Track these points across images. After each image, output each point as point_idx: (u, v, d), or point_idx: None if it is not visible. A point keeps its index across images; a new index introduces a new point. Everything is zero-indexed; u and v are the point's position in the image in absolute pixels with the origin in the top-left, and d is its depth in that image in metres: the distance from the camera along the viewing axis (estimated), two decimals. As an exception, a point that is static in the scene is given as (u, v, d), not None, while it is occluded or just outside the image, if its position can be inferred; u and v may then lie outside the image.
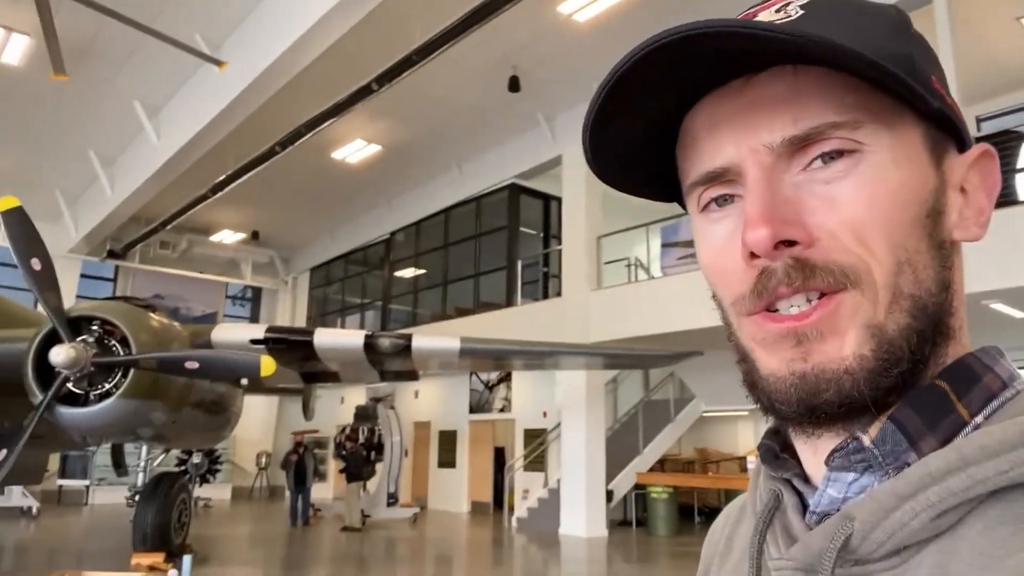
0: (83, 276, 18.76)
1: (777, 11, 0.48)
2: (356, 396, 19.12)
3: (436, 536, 13.82)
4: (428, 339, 9.05)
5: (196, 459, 16.32)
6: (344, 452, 14.47)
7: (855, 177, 0.45)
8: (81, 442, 8.94)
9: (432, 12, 8.78)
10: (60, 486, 17.29)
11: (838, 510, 0.46)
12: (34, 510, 14.59)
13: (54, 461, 16.01)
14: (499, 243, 15.59)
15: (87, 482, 17.56)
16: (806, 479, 0.51)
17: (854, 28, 0.46)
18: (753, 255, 0.45)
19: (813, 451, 0.49)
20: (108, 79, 11.86)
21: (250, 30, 10.02)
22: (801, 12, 0.47)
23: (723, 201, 0.50)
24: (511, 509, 15.20)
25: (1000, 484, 0.40)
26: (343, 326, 20.28)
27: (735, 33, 0.42)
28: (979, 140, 0.52)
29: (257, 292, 23.26)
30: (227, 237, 20.30)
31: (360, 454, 14.40)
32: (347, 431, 15.18)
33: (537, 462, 14.98)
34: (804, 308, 0.45)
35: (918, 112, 0.47)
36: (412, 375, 10.51)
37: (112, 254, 18.58)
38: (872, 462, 0.45)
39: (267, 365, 6.60)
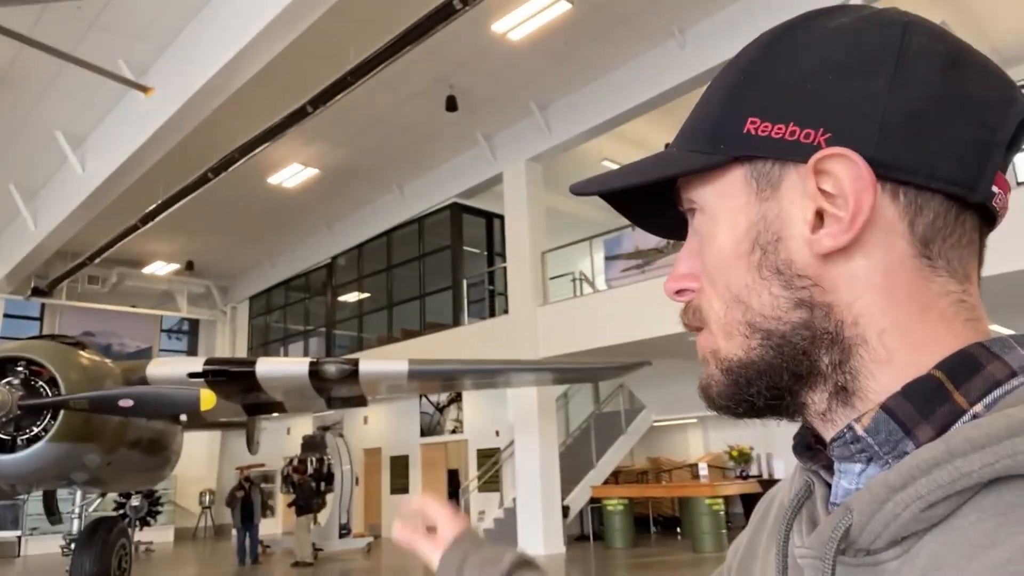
0: (6, 316, 17.81)
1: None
2: (303, 426, 18.65)
3: (392, 564, 13.51)
4: (375, 363, 8.88)
5: (135, 501, 15.58)
6: (292, 484, 14.05)
7: (696, 234, 0.55)
8: (10, 491, 8.43)
9: (366, 32, 8.72)
10: (-12, 539, 16.32)
11: None
12: (-41, 567, 13.73)
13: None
14: (443, 263, 15.51)
15: (19, 532, 16.65)
16: (832, 470, 0.53)
17: (701, 102, 0.56)
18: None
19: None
20: (27, 108, 11.36)
21: (177, 54, 9.75)
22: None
23: None
24: (467, 531, 14.98)
25: (987, 476, 0.40)
26: (286, 354, 19.81)
27: (599, 192, 0.56)
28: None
29: (194, 324, 22.57)
30: (160, 269, 19.64)
31: (309, 485, 14.01)
32: (295, 462, 14.77)
33: (492, 482, 14.86)
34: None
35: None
36: (361, 401, 10.28)
37: (37, 291, 17.72)
38: (871, 452, 0.47)
39: (207, 399, 6.37)
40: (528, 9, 9.49)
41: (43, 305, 18.91)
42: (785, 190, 0.50)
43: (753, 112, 0.50)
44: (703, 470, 13.22)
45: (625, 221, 0.66)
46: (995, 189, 0.49)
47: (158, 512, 16.70)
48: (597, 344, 11.17)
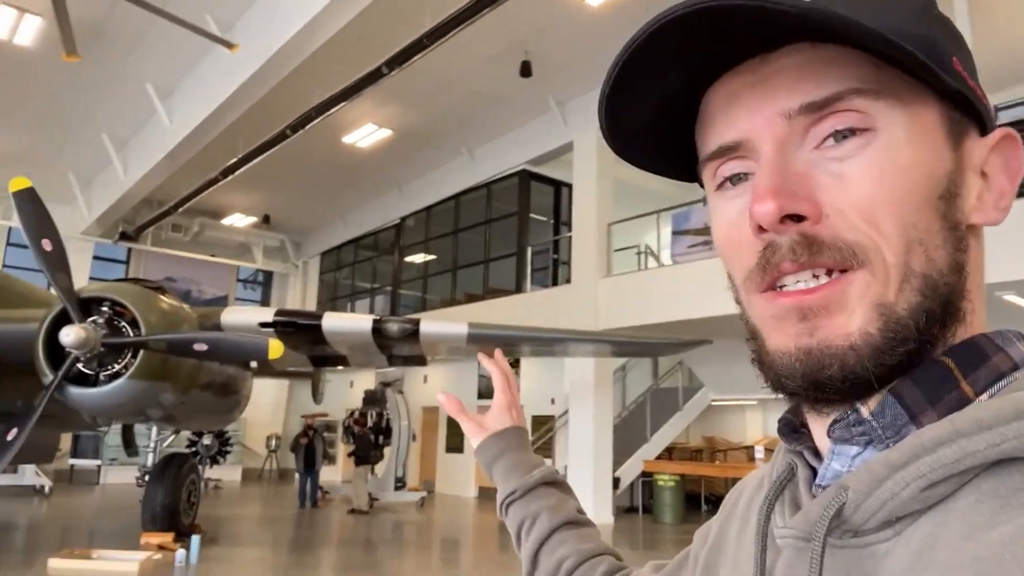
0: (96, 258, 18.88)
1: None
2: (365, 380, 19.20)
3: (443, 520, 13.90)
4: (436, 324, 9.05)
5: (206, 440, 16.46)
6: (353, 435, 14.54)
7: (867, 155, 0.45)
8: (91, 422, 9.02)
9: (443, -5, 8.72)
10: (72, 465, 17.50)
11: None
12: (46, 489, 14.79)
13: (66, 441, 16.21)
14: (509, 229, 15.56)
15: (99, 462, 17.76)
16: (818, 453, 0.52)
17: (873, 7, 0.46)
18: (761, 228, 0.46)
19: (821, 425, 0.50)
20: (120, 61, 11.87)
21: (261, 12, 9.99)
22: None
23: (737, 180, 0.50)
24: (518, 495, 15.23)
25: (991, 457, 0.40)
26: (353, 311, 20.35)
27: (745, 6, 0.42)
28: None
29: (268, 276, 23.36)
30: (238, 221, 20.37)
31: (368, 438, 14.47)
32: (356, 415, 15.25)
33: (544, 448, 15.01)
34: (811, 284, 0.46)
35: (937, 93, 0.47)
36: (420, 360, 10.52)
37: (124, 236, 18.68)
38: (872, 435, 0.46)
39: (275, 348, 6.63)
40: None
41: (129, 250, 19.91)
42: (967, 148, 0.48)
43: (955, 52, 0.48)
44: (759, 453, 13.04)
45: (695, 195, 0.59)
46: None
47: (227, 452, 17.55)
48: (658, 319, 11.07)
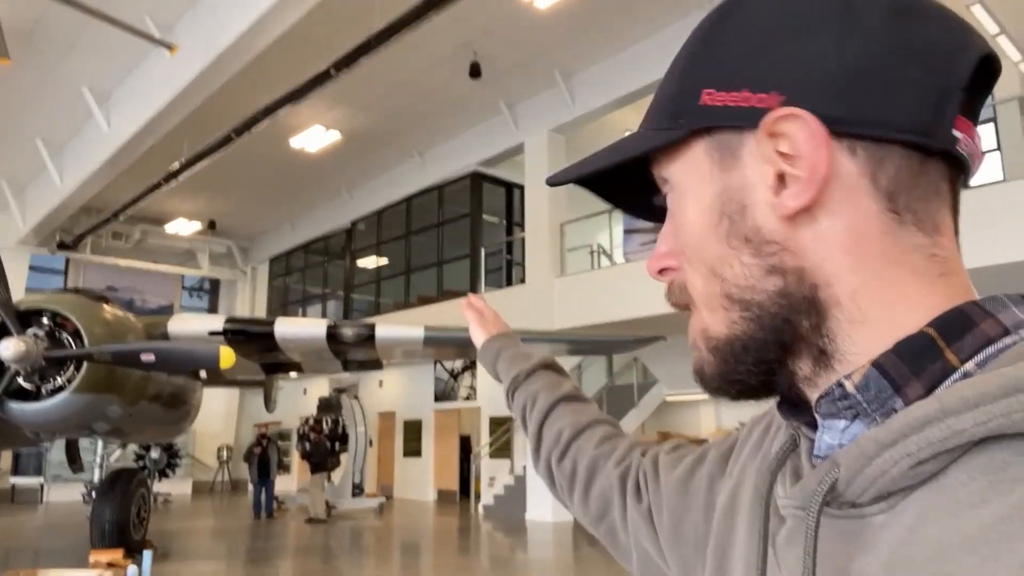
0: (32, 268, 18.15)
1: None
2: (319, 387, 18.93)
3: (402, 525, 13.79)
4: (392, 328, 8.99)
5: (154, 454, 16.00)
6: (308, 443, 14.32)
7: (671, 209, 0.56)
8: (34, 438, 8.68)
9: (391, -4, 8.66)
10: (13, 484, 16.83)
11: None
12: (-15, 510, 14.18)
13: (7, 459, 15.57)
14: (462, 231, 15.53)
15: (42, 479, 17.12)
16: (815, 428, 0.53)
17: (667, 78, 0.55)
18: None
19: (811, 403, 0.52)
20: (54, 64, 11.45)
21: (202, 13, 9.75)
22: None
23: None
24: (478, 496, 15.23)
25: (979, 435, 0.40)
26: (304, 316, 20.02)
27: (566, 180, 0.59)
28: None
29: (215, 283, 22.83)
30: (183, 227, 19.83)
31: (324, 445, 14.27)
32: (311, 422, 15.02)
33: (503, 449, 15.03)
34: None
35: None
36: (376, 364, 10.43)
37: (63, 245, 18.02)
38: (858, 409, 0.46)
39: (227, 357, 6.48)
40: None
41: (68, 259, 19.21)
42: (746, 158, 0.50)
43: (707, 83, 0.50)
44: (713, 446, 13.27)
45: None
46: (957, 134, 0.47)
47: (176, 465, 17.10)
48: (612, 317, 11.19)
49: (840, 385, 0.47)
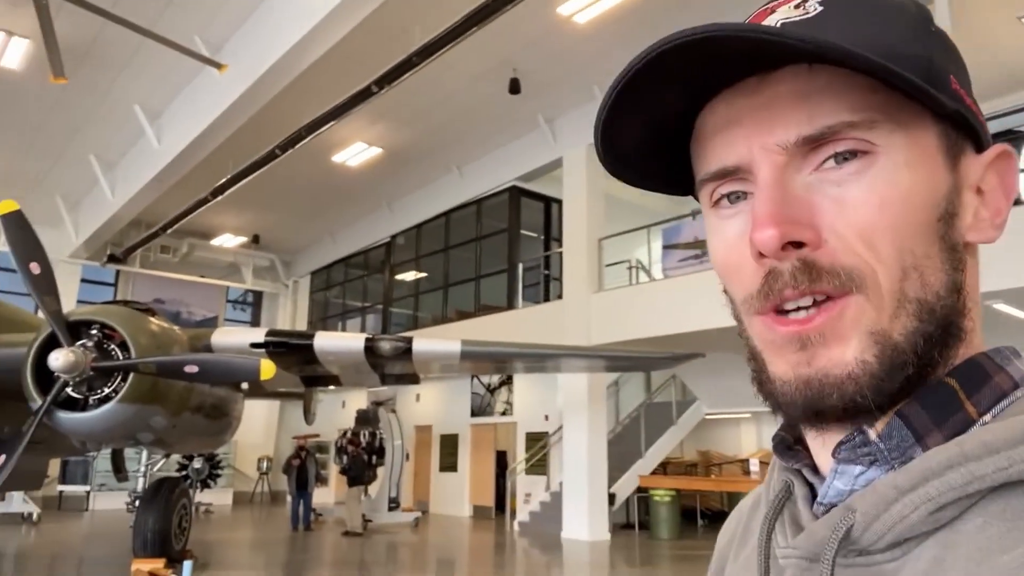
0: (84, 281, 18.73)
1: (796, 7, 0.48)
2: (357, 400, 19.08)
3: (438, 540, 13.76)
4: (429, 342, 9.02)
5: (197, 464, 16.30)
6: (346, 456, 14.42)
7: (867, 179, 0.45)
8: (81, 447, 8.90)
9: (432, 14, 8.77)
10: (61, 492, 17.26)
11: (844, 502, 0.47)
12: (35, 516, 14.55)
13: (55, 467, 15.97)
14: (500, 246, 15.56)
15: (88, 487, 17.52)
16: (817, 471, 0.51)
17: (872, 28, 0.46)
18: (761, 255, 0.46)
19: (822, 444, 0.50)
20: (108, 82, 11.85)
21: (250, 32, 10.01)
22: (820, 9, 0.47)
23: (735, 198, 0.50)
24: (513, 513, 15.13)
25: (999, 480, 0.40)
26: (344, 330, 20.26)
27: (742, 37, 0.43)
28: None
29: (258, 296, 23.24)
30: (228, 241, 20.29)
31: (361, 458, 14.35)
32: (348, 435, 15.13)
33: (539, 465, 14.93)
34: (811, 311, 0.45)
35: (935, 113, 0.46)
36: (413, 378, 10.46)
37: (113, 258, 18.55)
38: (878, 456, 0.46)
39: (267, 369, 6.56)
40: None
41: (118, 272, 19.76)
42: (963, 167, 0.48)
43: (952, 70, 0.48)
44: (754, 466, 13.02)
45: (685, 209, 0.59)
46: None
47: (218, 475, 17.37)
48: (650, 333, 11.07)
49: (862, 432, 0.46)
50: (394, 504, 15.26)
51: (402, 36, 9.19)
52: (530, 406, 15.64)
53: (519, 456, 15.61)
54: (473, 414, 17.20)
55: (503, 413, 16.42)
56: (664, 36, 0.44)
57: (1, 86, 11.85)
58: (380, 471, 15.15)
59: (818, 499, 0.49)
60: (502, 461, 16.82)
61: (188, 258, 20.32)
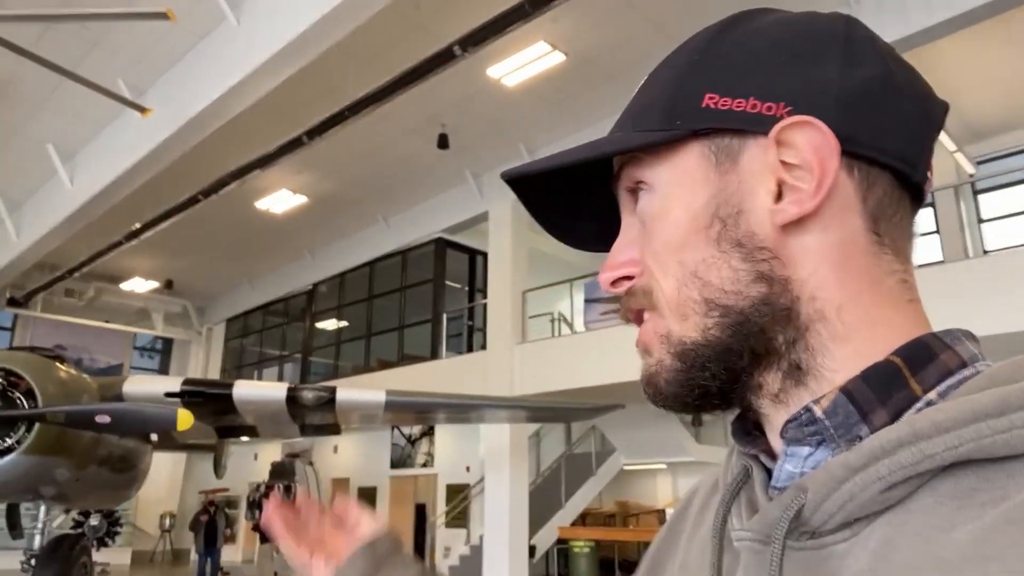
0: (-23, 324, 17.60)
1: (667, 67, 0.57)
2: (271, 452, 18.45)
3: (354, 598, 13.31)
4: (353, 392, 8.93)
5: (94, 521, 15.26)
6: (259, 511, 13.88)
7: (646, 211, 0.54)
8: (-27, 503, 8.30)
9: (365, 70, 8.97)
10: (-60, 553, 15.82)
11: None
12: (-95, 581, 13.30)
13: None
14: (425, 296, 15.62)
15: (-29, 547, 16.13)
16: (773, 456, 0.53)
17: (640, 95, 0.56)
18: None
19: (772, 428, 0.52)
20: (21, 120, 11.43)
21: (176, 78, 9.92)
22: (639, 87, 0.58)
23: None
24: (433, 567, 14.84)
25: (949, 460, 0.41)
26: (260, 378, 19.66)
27: (522, 176, 0.58)
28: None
29: (168, 343, 22.33)
30: (139, 285, 19.49)
31: (275, 513, 13.83)
32: (263, 488, 14.60)
33: (459, 518, 14.78)
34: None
35: (695, 134, 0.51)
36: (334, 429, 10.27)
37: (12, 302, 17.52)
38: (824, 435, 0.47)
39: (184, 419, 6.37)
40: (523, 57, 9.81)
41: (15, 316, 18.67)
42: (746, 163, 0.50)
43: (711, 88, 0.51)
44: (670, 517, 13.26)
45: None
46: (928, 173, 0.51)
47: (117, 533, 16.30)
48: (572, 385, 11.29)
49: (808, 410, 0.47)
50: (308, 561, 14.71)
51: (334, 89, 9.33)
52: (451, 457, 15.54)
53: (439, 509, 15.41)
54: (393, 466, 16.92)
55: (424, 464, 16.23)
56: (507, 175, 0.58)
57: (-100, 118, 11.26)
58: (294, 526, 14.63)
59: (771, 482, 0.51)
60: (421, 514, 16.54)
61: (95, 302, 19.39)
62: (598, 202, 0.60)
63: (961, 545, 0.38)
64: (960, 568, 0.38)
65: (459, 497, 14.92)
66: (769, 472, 0.52)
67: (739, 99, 0.50)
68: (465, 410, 10.50)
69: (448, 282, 15.69)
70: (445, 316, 15.12)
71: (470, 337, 15.39)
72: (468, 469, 14.99)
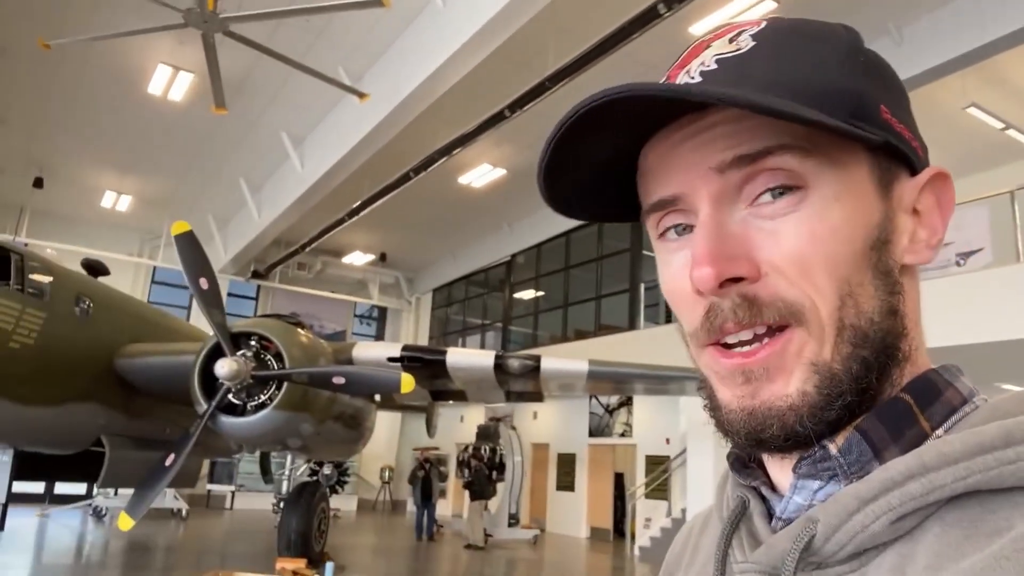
0: (229, 295, 20.17)
1: (730, 41, 0.50)
2: (475, 415, 19.43)
3: (557, 560, 13.74)
4: (557, 361, 9.09)
5: (327, 470, 17.06)
6: (468, 470, 14.70)
7: (799, 214, 0.46)
8: (236, 449, 9.55)
9: (565, 39, 8.93)
10: (209, 491, 18.56)
11: None
12: (183, 512, 15.73)
13: (204, 467, 17.21)
14: (621, 266, 15.49)
15: (232, 487, 18.76)
16: (773, 488, 0.52)
17: (799, 65, 0.48)
18: (700, 292, 0.47)
19: (779, 460, 0.51)
20: (258, 111, 12.81)
21: (390, 62, 10.55)
22: (752, 44, 0.49)
23: (681, 230, 0.51)
24: (633, 537, 14.89)
25: (957, 490, 0.41)
26: (464, 346, 20.72)
27: (653, 96, 0.45)
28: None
29: (383, 312, 24.19)
30: (357, 259, 21.29)
31: (484, 472, 14.58)
32: (471, 449, 15.42)
33: (660, 490, 14.63)
34: (753, 344, 0.47)
35: (866, 145, 0.47)
36: (537, 396, 10.55)
37: (256, 274, 19.90)
38: (837, 471, 0.47)
39: (407, 382, 6.83)
40: (733, 8, 9.22)
41: (259, 287, 21.16)
42: (896, 193, 0.49)
43: (884, 100, 0.48)
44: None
45: None
46: None
47: (345, 482, 18.13)
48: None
49: (823, 447, 0.47)
50: (514, 520, 15.39)
51: (533, 62, 9.40)
52: (650, 428, 15.39)
53: (638, 479, 15.36)
54: (591, 434, 17.11)
55: (622, 435, 16.24)
56: (584, 98, 0.46)
57: (166, 117, 13.07)
58: (500, 486, 15.33)
59: (777, 514, 0.50)
60: (620, 483, 16.61)
61: (321, 275, 21.48)
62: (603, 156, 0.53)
63: (970, 574, 0.38)
64: None
65: (659, 469, 14.77)
66: (768, 504, 0.52)
67: (902, 125, 0.49)
68: (665, 381, 10.30)
69: (645, 252, 15.40)
70: (643, 285, 14.89)
71: (668, 307, 15.01)
72: (668, 441, 14.77)
